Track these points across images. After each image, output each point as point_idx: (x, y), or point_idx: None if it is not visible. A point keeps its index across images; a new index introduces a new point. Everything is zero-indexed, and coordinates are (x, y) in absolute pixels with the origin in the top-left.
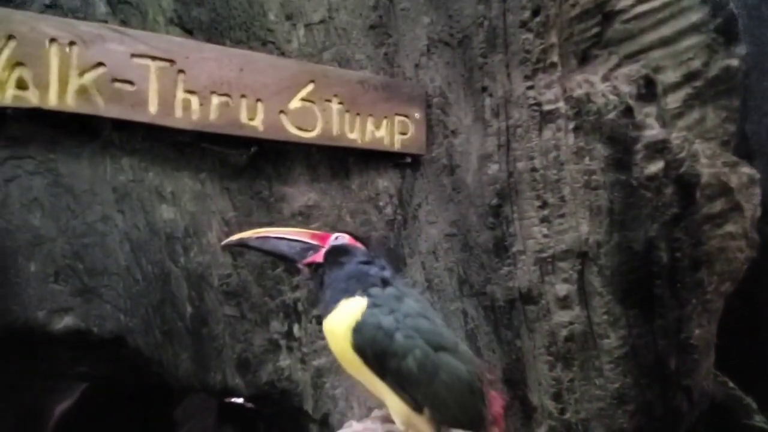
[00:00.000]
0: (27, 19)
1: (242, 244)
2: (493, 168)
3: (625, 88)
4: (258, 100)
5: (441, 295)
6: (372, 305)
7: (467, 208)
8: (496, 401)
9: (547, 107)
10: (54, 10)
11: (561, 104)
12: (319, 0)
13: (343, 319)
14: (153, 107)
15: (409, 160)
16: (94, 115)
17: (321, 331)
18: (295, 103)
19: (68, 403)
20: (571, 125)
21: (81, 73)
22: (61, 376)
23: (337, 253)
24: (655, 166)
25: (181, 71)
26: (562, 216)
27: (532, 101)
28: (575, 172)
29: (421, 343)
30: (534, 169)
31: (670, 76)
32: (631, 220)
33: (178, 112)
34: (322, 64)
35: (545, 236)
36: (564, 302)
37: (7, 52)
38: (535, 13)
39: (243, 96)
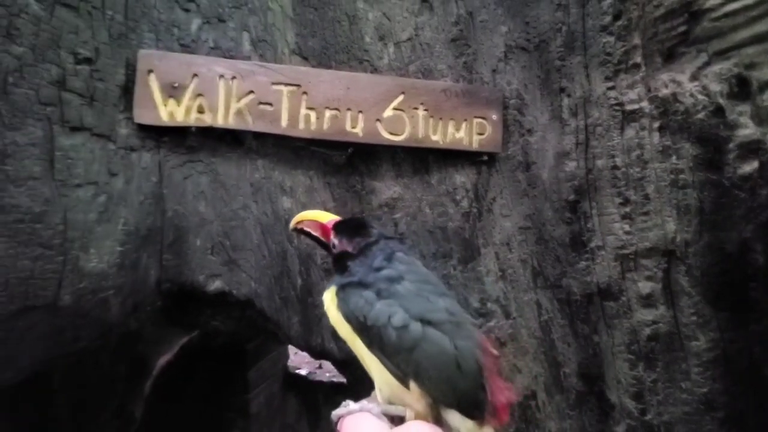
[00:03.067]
0: (205, 62)
1: (298, 229)
2: (570, 165)
3: (716, 87)
4: (360, 111)
5: (514, 285)
6: (357, 286)
7: (542, 202)
8: (502, 391)
9: (629, 107)
10: (216, 50)
11: (645, 104)
12: (407, 21)
13: (328, 294)
14: (284, 122)
15: (485, 157)
16: (244, 130)
17: None
18: (388, 112)
19: (168, 356)
20: (656, 124)
21: (238, 100)
22: (197, 327)
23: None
24: (750, 166)
25: (304, 93)
26: (645, 213)
27: (613, 101)
28: (660, 170)
29: (401, 312)
30: (615, 167)
31: (765, 73)
32: (723, 220)
33: (301, 125)
34: (409, 77)
35: (627, 233)
36: (647, 300)
37: (192, 86)
38: (617, 17)
39: (348, 109)
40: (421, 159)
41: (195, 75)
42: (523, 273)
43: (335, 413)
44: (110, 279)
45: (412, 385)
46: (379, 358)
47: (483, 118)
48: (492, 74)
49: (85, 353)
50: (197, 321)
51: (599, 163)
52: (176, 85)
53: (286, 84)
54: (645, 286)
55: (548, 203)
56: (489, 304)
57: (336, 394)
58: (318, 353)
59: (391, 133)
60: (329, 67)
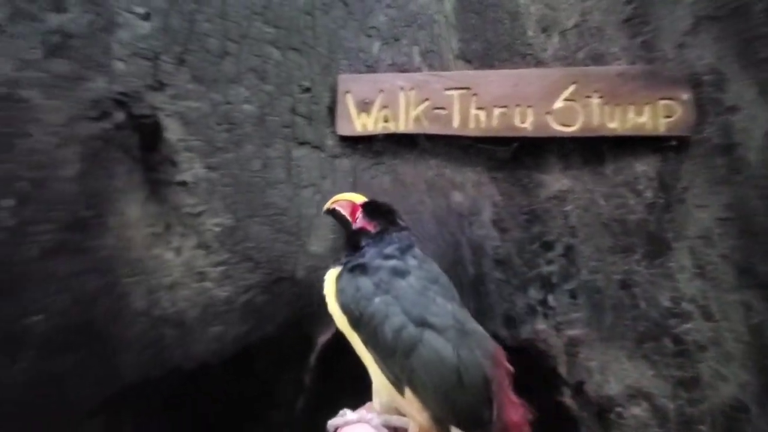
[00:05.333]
0: (389, 78)
1: (330, 210)
2: None
3: None
4: (528, 106)
5: (715, 284)
6: (359, 272)
7: (748, 190)
8: (514, 409)
9: None
10: (392, 66)
11: None
12: (573, 8)
13: (330, 276)
14: (456, 123)
15: (674, 142)
16: (421, 133)
17: (574, 303)
18: (558, 104)
19: (327, 335)
20: None
21: (415, 107)
22: None
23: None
24: None
25: (474, 94)
26: None
27: None
28: None
29: (399, 312)
30: None
31: None
32: None
33: (472, 124)
34: (581, 66)
35: None
36: None
37: (378, 100)
38: None
39: (517, 105)
40: (592, 149)
41: (381, 90)
42: (725, 270)
43: (331, 423)
44: (326, 260)
45: (408, 392)
46: (374, 358)
47: (670, 99)
48: (677, 50)
49: (285, 327)
50: None
51: None
52: (367, 100)
53: (457, 88)
54: None
55: (756, 190)
56: (683, 304)
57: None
58: (493, 339)
59: (563, 125)
60: (492, 67)
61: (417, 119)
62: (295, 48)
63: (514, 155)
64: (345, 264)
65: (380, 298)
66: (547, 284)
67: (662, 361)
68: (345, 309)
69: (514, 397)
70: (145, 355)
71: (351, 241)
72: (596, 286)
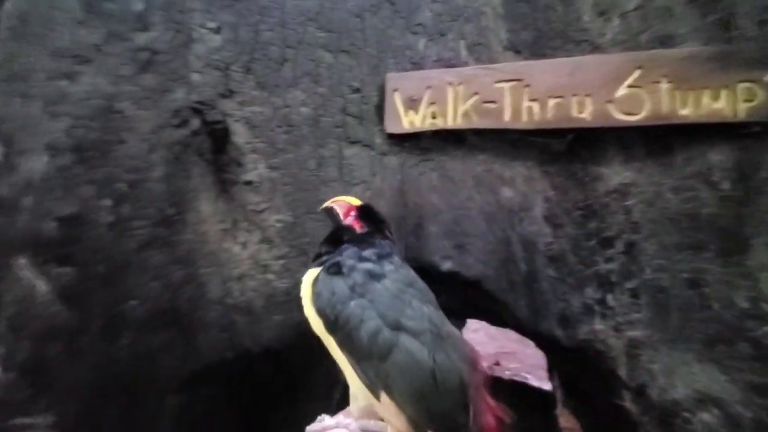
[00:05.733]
0: (437, 75)
1: (327, 209)
2: None
3: None
4: (587, 95)
5: None
6: (334, 273)
7: None
8: (489, 411)
9: None
10: (438, 62)
11: None
12: None
13: (307, 279)
14: (507, 116)
15: (757, 129)
16: (469, 128)
17: (635, 303)
18: (621, 91)
19: None
20: None
21: (465, 102)
22: None
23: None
24: None
25: (527, 86)
26: None
27: None
28: None
29: (375, 316)
30: None
31: None
32: None
33: (524, 117)
34: (646, 50)
35: None
36: None
37: (426, 97)
38: None
39: (574, 95)
40: (658, 139)
41: (429, 87)
42: None
43: (309, 429)
44: None
45: (384, 397)
46: (350, 362)
47: (750, 81)
48: (758, 28)
49: None
50: None
51: None
52: (414, 98)
53: (508, 80)
54: None
55: None
56: (763, 306)
57: (517, 393)
58: (546, 338)
59: (626, 113)
60: (543, 56)
61: (466, 114)
62: (345, 50)
63: (568, 148)
64: (323, 263)
65: (355, 302)
66: (606, 283)
67: (737, 366)
68: (320, 312)
69: (491, 401)
70: (221, 339)
71: (334, 236)
72: (661, 286)
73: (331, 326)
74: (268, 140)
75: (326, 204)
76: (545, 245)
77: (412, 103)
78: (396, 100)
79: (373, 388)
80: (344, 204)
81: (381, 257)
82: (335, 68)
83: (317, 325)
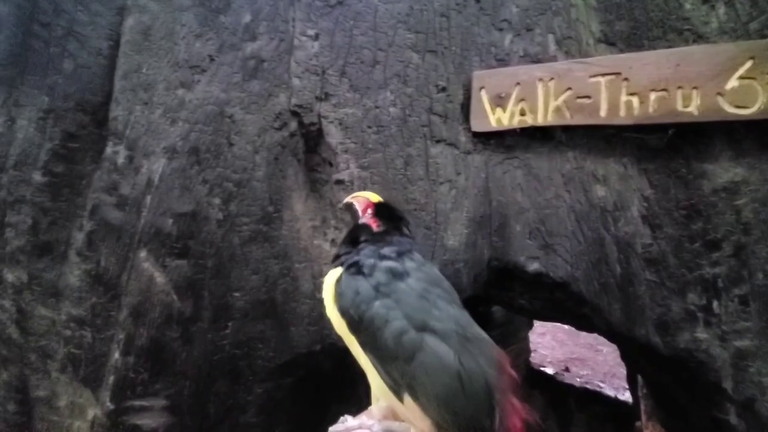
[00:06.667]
0: (526, 70)
1: (347, 204)
2: None
3: None
4: (694, 88)
5: None
6: (355, 273)
7: None
8: (516, 414)
9: None
10: (525, 58)
11: None
12: None
13: (329, 279)
14: (603, 112)
15: None
16: (558, 125)
17: (744, 311)
18: (732, 83)
19: None
20: None
21: (556, 98)
22: (501, 303)
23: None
24: None
25: (625, 79)
26: None
27: None
28: None
29: (400, 317)
30: None
31: None
32: None
33: (622, 112)
34: (756, 39)
35: None
36: None
37: (515, 93)
38: None
39: (679, 87)
40: None
41: (517, 83)
42: None
43: (332, 429)
44: (461, 254)
45: (407, 399)
46: (373, 363)
47: None
48: None
49: None
50: (506, 297)
51: None
52: (502, 95)
53: (605, 74)
54: None
55: None
56: None
57: (589, 402)
58: (642, 344)
59: (738, 107)
60: (641, 48)
61: (557, 110)
62: (431, 50)
63: (669, 144)
64: (342, 264)
65: (380, 302)
66: (711, 288)
67: None
68: (343, 312)
69: (518, 405)
70: (310, 332)
71: (351, 235)
72: None
73: (355, 326)
74: (359, 140)
75: (347, 199)
76: (643, 247)
77: (499, 101)
78: (483, 98)
79: (396, 390)
80: (363, 200)
81: (401, 254)
82: (422, 68)
83: (340, 325)
